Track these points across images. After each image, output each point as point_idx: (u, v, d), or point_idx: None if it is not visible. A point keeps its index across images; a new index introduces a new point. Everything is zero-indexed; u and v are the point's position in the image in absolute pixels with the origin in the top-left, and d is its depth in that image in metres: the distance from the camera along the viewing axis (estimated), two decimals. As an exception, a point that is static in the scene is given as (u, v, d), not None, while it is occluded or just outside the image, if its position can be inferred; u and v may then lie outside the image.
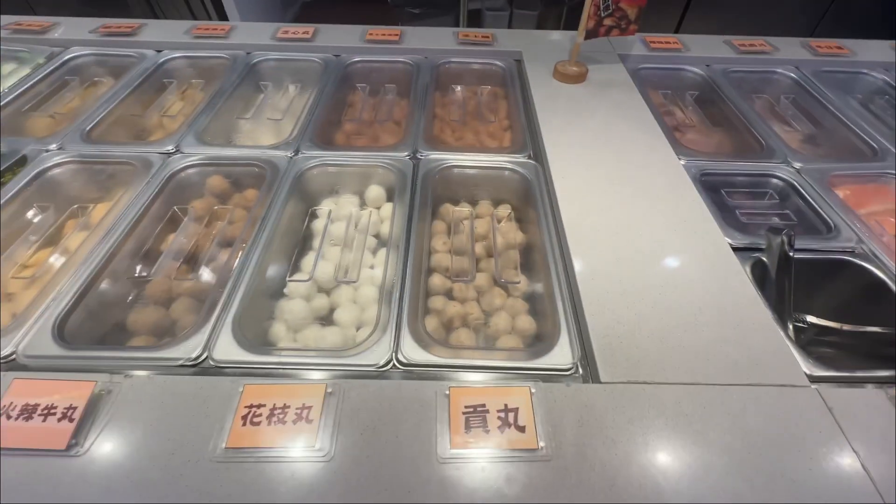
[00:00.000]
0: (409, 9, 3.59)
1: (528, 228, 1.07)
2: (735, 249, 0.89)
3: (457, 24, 3.70)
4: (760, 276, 0.89)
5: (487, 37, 1.50)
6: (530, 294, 0.96)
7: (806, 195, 1.04)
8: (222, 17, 3.01)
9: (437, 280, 0.95)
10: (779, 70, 1.48)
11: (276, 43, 1.45)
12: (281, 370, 0.70)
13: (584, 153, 1.07)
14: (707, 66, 1.47)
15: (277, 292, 0.92)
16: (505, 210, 1.11)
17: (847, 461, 0.60)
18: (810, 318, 0.88)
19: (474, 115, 1.36)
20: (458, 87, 1.44)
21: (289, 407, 0.58)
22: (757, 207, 1.06)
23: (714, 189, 1.07)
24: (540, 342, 0.84)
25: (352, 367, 0.70)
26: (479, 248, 1.02)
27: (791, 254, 0.86)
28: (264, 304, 0.88)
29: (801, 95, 1.43)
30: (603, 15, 1.23)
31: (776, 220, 1.03)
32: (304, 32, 1.46)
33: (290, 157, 1.08)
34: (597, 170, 1.03)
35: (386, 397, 0.64)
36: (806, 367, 0.71)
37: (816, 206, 1.01)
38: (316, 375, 0.70)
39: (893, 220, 1.03)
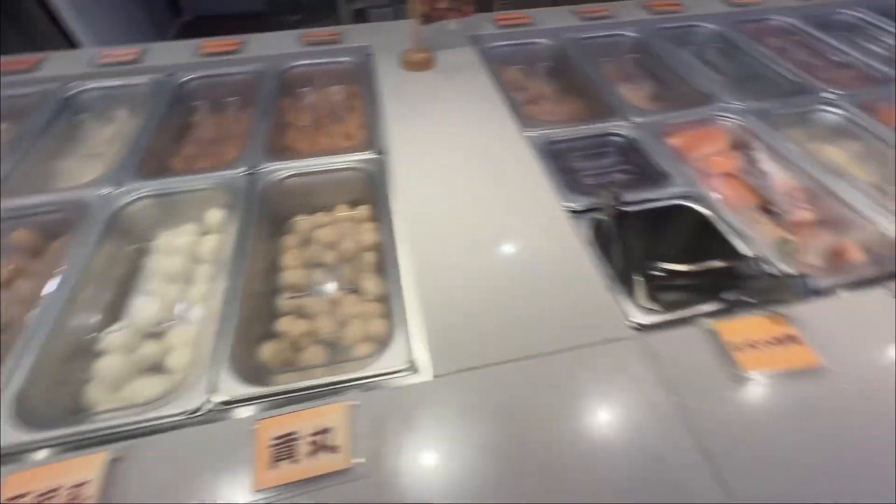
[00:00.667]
0: (287, 16, 3.46)
1: (383, 227, 1.03)
2: (578, 213, 0.90)
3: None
4: (606, 234, 0.91)
5: (335, 35, 1.44)
6: (386, 296, 0.93)
7: (644, 148, 1.07)
8: (69, 41, 2.63)
9: (285, 299, 0.89)
10: (622, 32, 1.54)
11: (96, 70, 1.31)
12: (75, 441, 0.60)
13: (427, 140, 1.05)
14: (556, 37, 1.51)
15: (91, 349, 0.81)
16: (360, 212, 1.06)
17: (663, 403, 0.60)
18: (661, 266, 0.91)
19: (329, 117, 1.30)
20: (309, 91, 1.38)
21: (55, 491, 0.50)
22: (602, 168, 1.09)
23: (561, 156, 1.08)
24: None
25: (151, 422, 0.61)
26: (331, 257, 0.97)
27: (622, 209, 0.89)
28: (75, 367, 0.77)
29: (644, 54, 1.49)
30: (435, -1, 1.22)
31: (619, 176, 1.06)
32: (127, 55, 1.33)
33: (106, 195, 0.96)
34: (439, 155, 1.01)
35: (189, 449, 0.57)
36: (638, 317, 0.71)
37: (653, 158, 1.04)
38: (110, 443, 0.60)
39: (720, 158, 1.10)
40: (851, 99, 1.21)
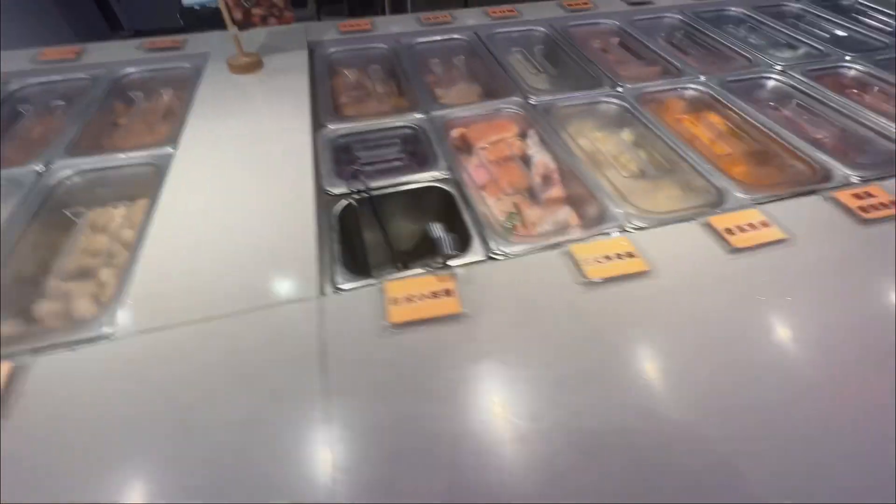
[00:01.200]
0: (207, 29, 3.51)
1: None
2: (336, 196, 0.98)
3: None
4: (357, 215, 0.99)
5: (176, 42, 1.51)
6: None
7: (425, 139, 1.17)
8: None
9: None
10: (457, 36, 1.64)
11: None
12: None
13: (216, 137, 1.12)
14: (393, 41, 1.60)
15: None
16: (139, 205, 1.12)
17: (314, 352, 0.68)
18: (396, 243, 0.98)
19: (152, 119, 1.37)
20: (140, 96, 1.44)
21: None
22: (383, 157, 1.17)
23: (347, 148, 1.17)
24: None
25: None
26: (101, 243, 1.03)
27: (370, 193, 0.97)
28: None
29: (475, 56, 1.60)
30: (247, 5, 1.30)
31: (397, 164, 1.15)
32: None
33: None
34: (222, 151, 1.08)
35: None
36: (340, 280, 0.79)
37: (431, 147, 1.12)
38: None
39: (501, 146, 1.20)
40: (633, 92, 1.33)
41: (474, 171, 1.13)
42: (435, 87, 1.51)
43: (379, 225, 0.98)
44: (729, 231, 0.85)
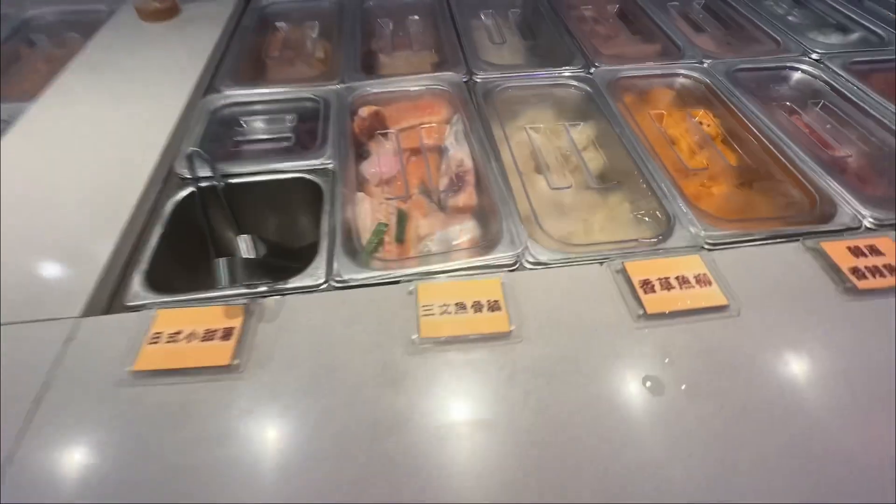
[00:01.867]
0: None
1: None
2: (188, 180, 0.80)
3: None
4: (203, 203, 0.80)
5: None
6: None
7: (323, 115, 0.95)
8: None
9: None
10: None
11: None
12: None
13: (81, 100, 0.96)
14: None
15: None
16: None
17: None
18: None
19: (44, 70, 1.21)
20: (44, 41, 1.28)
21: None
22: (274, 133, 0.97)
23: (230, 122, 0.97)
24: None
25: None
26: None
27: (222, 181, 0.79)
28: None
29: (433, 18, 1.32)
30: (150, -62, 1.10)
31: (286, 144, 0.95)
32: None
33: None
34: (76, 116, 0.92)
35: None
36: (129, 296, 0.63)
37: (329, 126, 0.91)
38: None
39: (417, 132, 0.98)
40: (606, 76, 1.05)
41: (380, 161, 0.93)
42: (380, 53, 1.29)
43: (230, 223, 0.80)
44: (646, 285, 0.61)
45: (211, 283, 0.63)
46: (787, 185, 0.84)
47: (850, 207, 0.75)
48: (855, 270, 0.62)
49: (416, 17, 1.38)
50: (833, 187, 0.79)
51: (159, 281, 0.67)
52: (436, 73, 1.05)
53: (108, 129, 0.88)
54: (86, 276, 0.63)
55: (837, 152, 0.94)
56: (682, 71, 1.07)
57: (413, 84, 1.03)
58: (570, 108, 1.05)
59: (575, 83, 1.04)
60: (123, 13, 1.22)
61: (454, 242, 0.74)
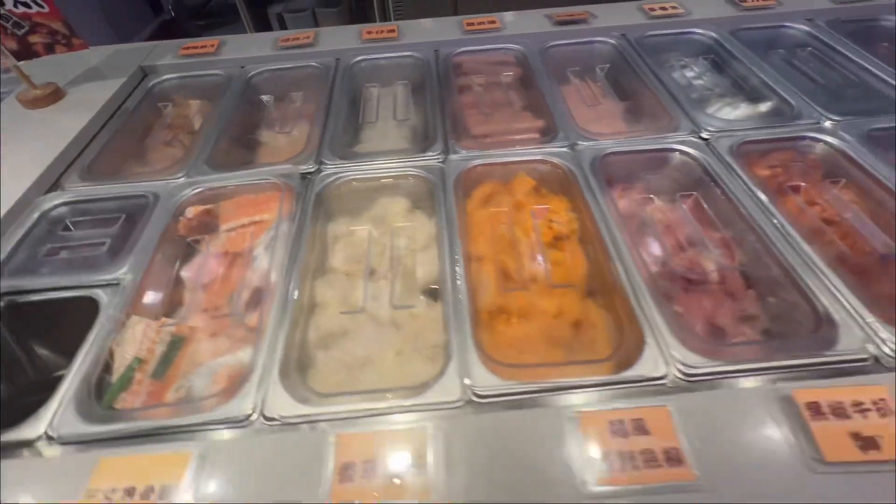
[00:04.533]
0: (194, 22, 3.47)
1: None
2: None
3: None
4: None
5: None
6: None
7: (145, 218, 0.90)
8: None
9: None
10: (312, 63, 1.36)
11: None
12: None
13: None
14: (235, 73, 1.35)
15: None
16: None
17: None
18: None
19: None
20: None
21: None
22: (102, 236, 0.94)
23: (57, 224, 0.95)
24: None
25: None
26: None
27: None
28: None
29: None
30: (18, 33, 1.12)
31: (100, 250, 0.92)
32: None
33: None
34: None
35: None
36: None
37: (142, 231, 0.87)
38: None
39: (237, 235, 0.92)
40: (461, 162, 0.96)
41: (199, 265, 0.88)
42: (264, 130, 1.26)
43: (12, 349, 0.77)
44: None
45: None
46: (625, 318, 0.73)
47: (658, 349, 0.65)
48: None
49: (308, 90, 1.35)
50: (653, 322, 0.68)
51: None
52: (278, 165, 1.00)
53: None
54: None
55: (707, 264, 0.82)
56: (545, 157, 0.99)
57: (252, 177, 0.98)
58: (420, 200, 0.98)
59: (422, 173, 0.97)
60: (12, 99, 1.25)
61: (209, 380, 0.68)
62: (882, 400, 0.53)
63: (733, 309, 0.78)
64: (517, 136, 1.07)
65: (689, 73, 1.27)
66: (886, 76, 1.12)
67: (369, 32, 1.38)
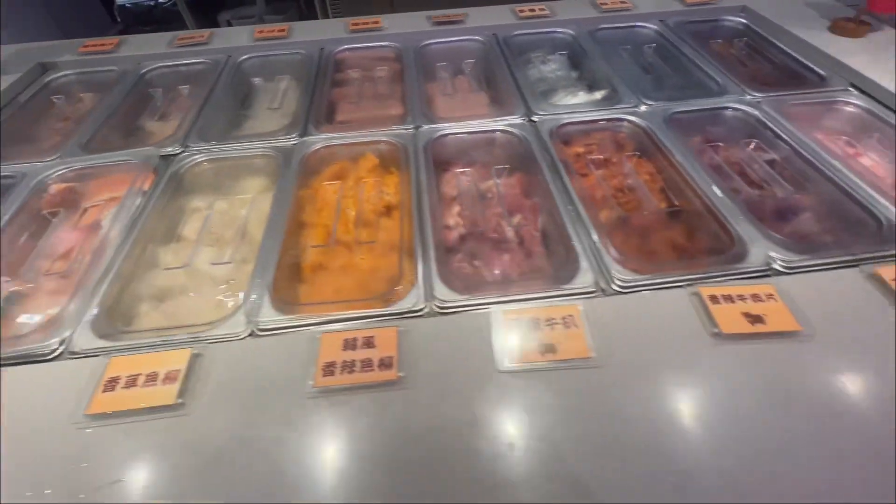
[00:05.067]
0: (140, 28, 3.54)
1: None
2: None
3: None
4: None
5: None
6: None
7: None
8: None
9: None
10: (201, 61, 1.46)
11: None
12: None
13: None
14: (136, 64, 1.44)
15: None
16: None
17: None
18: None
19: None
20: None
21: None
22: None
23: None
24: None
25: None
26: None
27: None
28: None
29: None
30: None
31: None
32: None
33: None
34: None
35: None
36: None
37: None
38: None
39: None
40: (307, 145, 1.08)
41: (51, 236, 0.96)
42: (146, 119, 1.34)
43: None
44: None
45: None
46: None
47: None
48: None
49: (188, 86, 1.44)
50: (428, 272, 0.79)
51: None
52: (145, 148, 1.09)
53: None
54: None
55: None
56: (388, 138, 1.10)
57: (116, 159, 1.06)
58: (268, 178, 1.08)
59: (273, 153, 1.08)
60: None
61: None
62: (769, 295, 0.67)
63: (520, 262, 0.90)
64: (376, 121, 1.18)
65: (547, 67, 1.41)
66: (707, 68, 1.28)
67: (261, 32, 1.49)
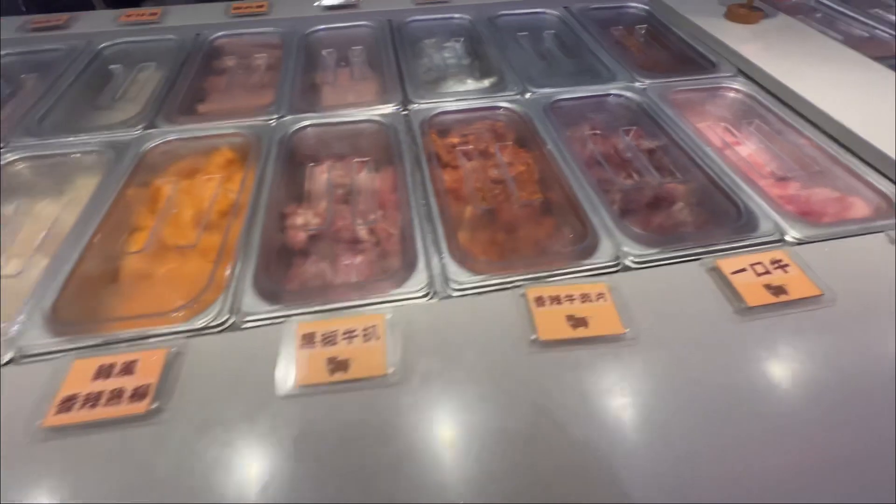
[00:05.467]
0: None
1: None
2: None
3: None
4: None
5: None
6: None
7: None
8: None
9: None
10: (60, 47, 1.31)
11: None
12: None
13: None
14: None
15: None
16: None
17: None
18: None
19: None
20: None
21: None
22: None
23: None
24: None
25: None
26: None
27: None
28: None
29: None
30: None
31: None
32: None
33: None
34: None
35: None
36: None
37: None
38: None
39: None
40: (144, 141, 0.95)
41: None
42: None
43: None
44: None
45: None
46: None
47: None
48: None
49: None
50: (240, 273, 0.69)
51: None
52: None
53: None
54: None
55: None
56: (239, 130, 0.99)
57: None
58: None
59: (101, 149, 0.95)
60: None
61: None
62: (600, 294, 0.62)
63: (371, 263, 0.82)
64: (241, 112, 1.05)
65: (441, 55, 1.33)
66: (601, 55, 1.22)
67: (128, 16, 1.35)
